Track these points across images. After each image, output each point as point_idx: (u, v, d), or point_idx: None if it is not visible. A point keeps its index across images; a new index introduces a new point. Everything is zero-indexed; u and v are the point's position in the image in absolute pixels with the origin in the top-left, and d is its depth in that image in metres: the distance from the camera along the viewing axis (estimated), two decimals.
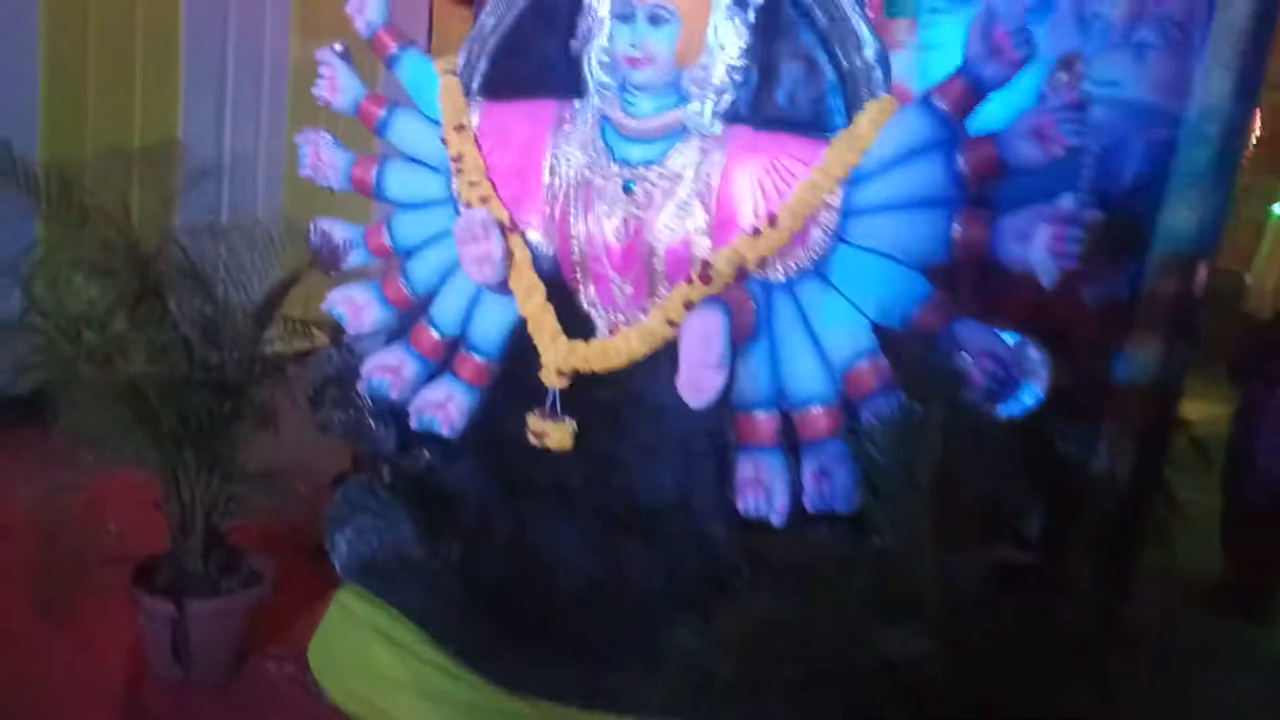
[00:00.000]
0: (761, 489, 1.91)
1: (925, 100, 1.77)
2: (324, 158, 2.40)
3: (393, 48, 2.30)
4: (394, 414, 2.38)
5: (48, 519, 2.46)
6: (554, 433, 2.10)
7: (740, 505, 1.94)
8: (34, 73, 4.07)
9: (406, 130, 2.33)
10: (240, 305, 2.28)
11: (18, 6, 4.00)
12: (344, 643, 2.34)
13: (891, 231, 1.81)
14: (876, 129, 1.79)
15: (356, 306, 2.41)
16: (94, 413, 2.18)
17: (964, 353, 1.68)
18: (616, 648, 1.98)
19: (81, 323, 2.20)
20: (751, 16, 1.92)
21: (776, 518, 1.89)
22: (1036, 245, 1.60)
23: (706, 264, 1.90)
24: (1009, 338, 1.70)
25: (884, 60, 1.84)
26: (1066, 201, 1.58)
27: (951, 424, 1.57)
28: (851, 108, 1.87)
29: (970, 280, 1.88)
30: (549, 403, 2.11)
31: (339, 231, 2.43)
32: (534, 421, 2.12)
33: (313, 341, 2.47)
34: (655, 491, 2.08)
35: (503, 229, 2.08)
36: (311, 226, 2.43)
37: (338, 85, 2.35)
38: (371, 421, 2.43)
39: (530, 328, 2.12)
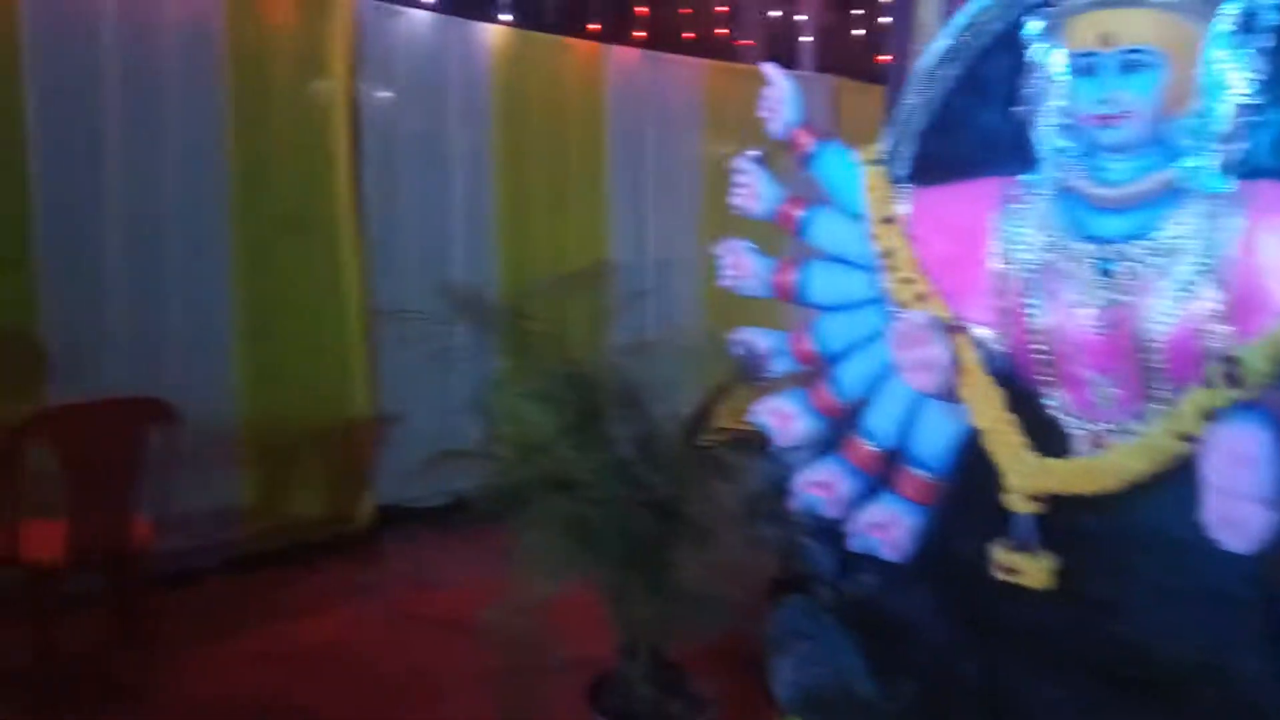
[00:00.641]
0: None
1: None
2: (745, 266, 2.32)
3: (810, 145, 2.17)
4: (830, 532, 2.20)
5: (506, 630, 2.56)
6: (1027, 568, 1.77)
7: None
8: (491, 213, 4.60)
9: (828, 229, 2.17)
10: (671, 422, 2.25)
11: (475, 156, 4.57)
12: None
13: None
14: None
15: (784, 417, 2.26)
16: (545, 535, 2.25)
17: None
18: None
19: (533, 449, 2.30)
20: (1266, 41, 1.50)
21: None
22: None
23: (1233, 360, 1.47)
24: None
25: None
26: None
27: None
28: None
29: None
30: (1019, 531, 1.78)
31: (762, 340, 2.33)
32: (1001, 554, 1.80)
33: (739, 454, 2.37)
34: (1173, 647, 1.64)
35: (947, 330, 1.82)
36: (734, 337, 2.36)
37: (756, 192, 2.27)
38: (806, 540, 2.27)
39: (987, 442, 1.83)
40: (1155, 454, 1.59)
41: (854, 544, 2.11)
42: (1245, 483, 1.37)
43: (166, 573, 3.47)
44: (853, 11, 6.26)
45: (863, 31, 6.39)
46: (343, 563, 4.10)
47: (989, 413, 1.81)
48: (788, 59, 5.84)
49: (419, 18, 4.37)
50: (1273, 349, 1.45)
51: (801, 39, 5.91)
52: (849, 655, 2.19)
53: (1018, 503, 1.77)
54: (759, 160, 2.30)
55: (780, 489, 2.29)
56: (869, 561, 2.12)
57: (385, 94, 4.33)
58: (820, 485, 2.17)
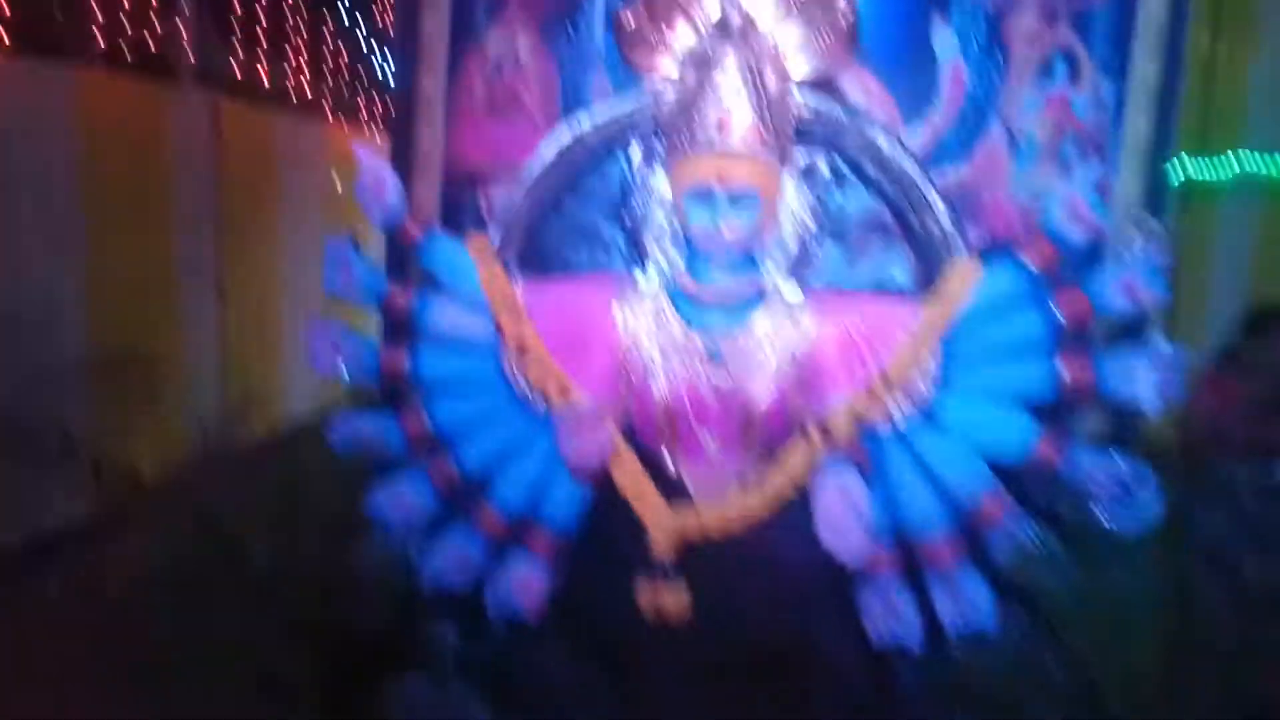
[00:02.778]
0: (895, 618, 2.05)
1: (1013, 260, 2.00)
2: (345, 349, 2.22)
3: (418, 235, 2.19)
4: (457, 602, 2.26)
5: None
6: (671, 602, 2.11)
7: (875, 635, 2.06)
8: None
9: (444, 317, 2.22)
10: None
11: None
12: None
13: (995, 378, 2.02)
14: (968, 287, 1.99)
15: (406, 502, 2.25)
16: None
17: (1087, 478, 1.93)
18: None
19: None
20: (821, 188, 2.06)
21: (913, 641, 2.04)
22: (1143, 386, 1.88)
23: (828, 426, 2.00)
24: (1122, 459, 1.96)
25: (960, 224, 2.05)
26: (1166, 346, 1.88)
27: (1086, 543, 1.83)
28: (932, 270, 2.06)
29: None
30: (662, 572, 2.11)
31: (367, 425, 2.26)
32: (648, 591, 2.11)
33: None
34: (781, 639, 2.14)
35: (604, 415, 2.06)
36: (334, 425, 2.25)
37: (356, 279, 2.19)
38: (429, 613, 2.28)
39: (635, 505, 2.11)
40: (771, 496, 2.05)
41: (491, 609, 2.22)
42: (850, 514, 1.89)
43: None
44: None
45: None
46: None
47: (632, 478, 2.10)
48: (164, 72, 5.28)
49: None
50: (851, 414, 2.01)
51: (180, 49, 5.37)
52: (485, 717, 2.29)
53: (661, 549, 2.10)
54: (355, 245, 2.23)
55: (396, 570, 2.27)
56: (504, 623, 2.25)
57: None
58: (451, 560, 2.23)
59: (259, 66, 6.30)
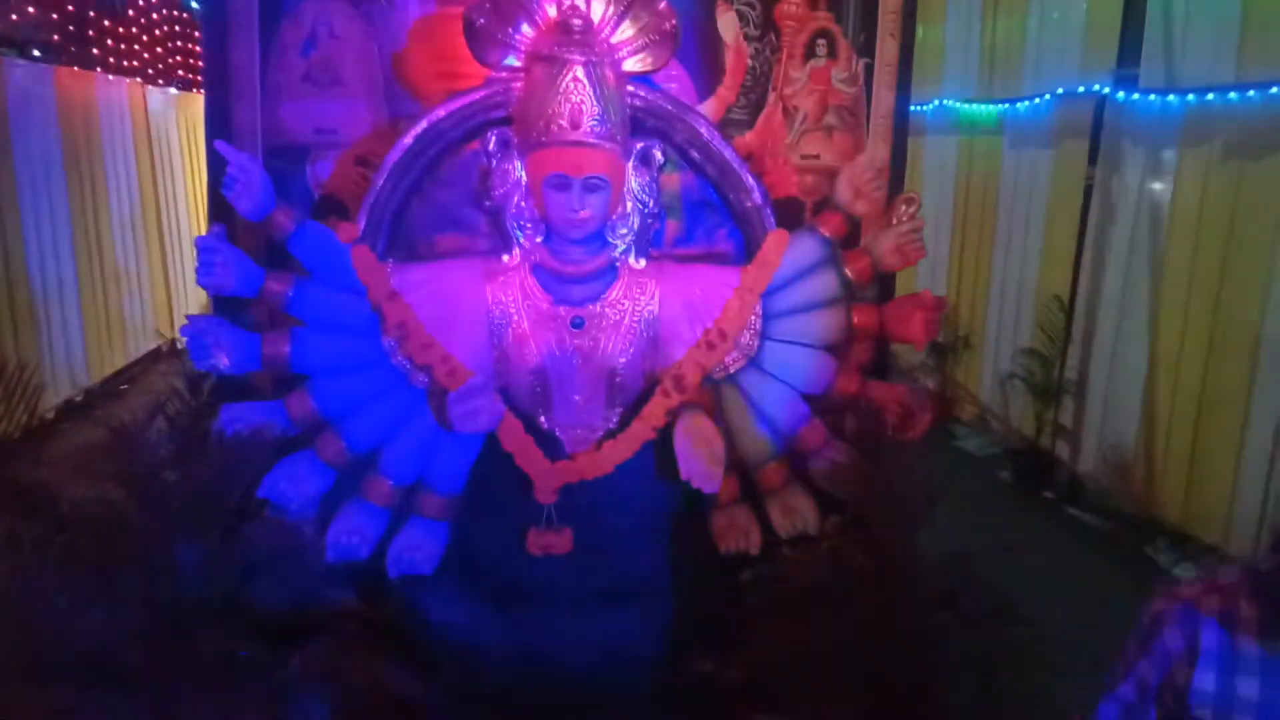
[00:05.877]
0: (738, 533, 2.50)
1: (812, 230, 2.44)
2: (224, 342, 2.29)
3: (290, 226, 2.27)
4: (350, 570, 2.45)
5: None
6: (558, 542, 2.43)
7: (722, 549, 2.50)
8: None
9: (319, 302, 2.34)
10: None
11: None
12: None
13: (804, 326, 2.46)
14: (780, 254, 2.41)
15: (297, 481, 2.38)
16: None
17: (875, 405, 2.45)
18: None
19: None
20: (656, 172, 2.39)
21: (754, 549, 2.50)
22: (914, 327, 2.41)
23: (679, 377, 2.38)
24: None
25: (769, 201, 2.46)
26: (930, 296, 2.41)
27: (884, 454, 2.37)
28: (750, 239, 2.47)
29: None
30: (547, 518, 2.43)
31: (255, 413, 2.35)
32: (537, 537, 2.42)
33: None
34: (646, 563, 2.53)
35: (494, 385, 2.29)
36: (222, 416, 2.31)
37: (232, 270, 2.25)
38: (327, 587, 2.45)
39: (518, 460, 2.39)
40: (636, 442, 2.40)
41: (393, 572, 2.43)
42: (708, 452, 2.26)
43: None
44: None
45: None
46: None
47: (516, 439, 2.38)
48: None
49: None
50: (697, 366, 2.39)
51: None
52: (390, 668, 2.49)
53: (545, 496, 2.41)
54: (227, 236, 2.28)
55: (287, 548, 2.40)
56: (402, 581, 2.46)
57: None
58: (352, 532, 2.41)
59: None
